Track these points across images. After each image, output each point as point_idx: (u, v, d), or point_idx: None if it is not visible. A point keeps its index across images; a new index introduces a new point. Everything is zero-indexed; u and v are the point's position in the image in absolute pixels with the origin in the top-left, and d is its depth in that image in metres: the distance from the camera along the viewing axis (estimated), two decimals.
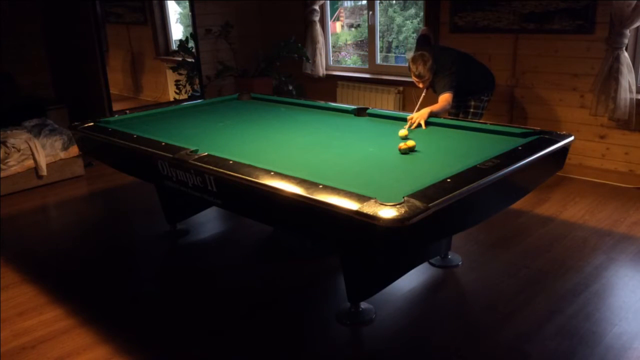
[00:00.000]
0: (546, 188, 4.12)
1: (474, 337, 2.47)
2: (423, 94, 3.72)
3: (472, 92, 3.91)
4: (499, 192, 2.37)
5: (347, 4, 6.81)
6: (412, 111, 3.32)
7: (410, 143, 2.68)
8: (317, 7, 5.76)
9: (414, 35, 5.94)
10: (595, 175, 4.35)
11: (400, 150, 2.67)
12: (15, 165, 4.51)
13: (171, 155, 2.67)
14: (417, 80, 3.65)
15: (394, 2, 5.99)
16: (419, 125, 3.16)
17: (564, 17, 4.19)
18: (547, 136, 2.72)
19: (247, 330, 2.59)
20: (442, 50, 3.94)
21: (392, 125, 3.26)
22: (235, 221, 3.88)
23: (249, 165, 2.40)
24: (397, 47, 6.23)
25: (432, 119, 3.22)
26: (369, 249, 2.16)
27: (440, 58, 3.71)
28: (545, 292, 2.79)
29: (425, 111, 3.23)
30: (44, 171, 4.66)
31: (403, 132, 2.98)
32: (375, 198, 1.94)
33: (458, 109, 3.97)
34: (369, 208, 1.88)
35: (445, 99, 3.51)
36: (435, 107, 3.35)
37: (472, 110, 3.94)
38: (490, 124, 3.07)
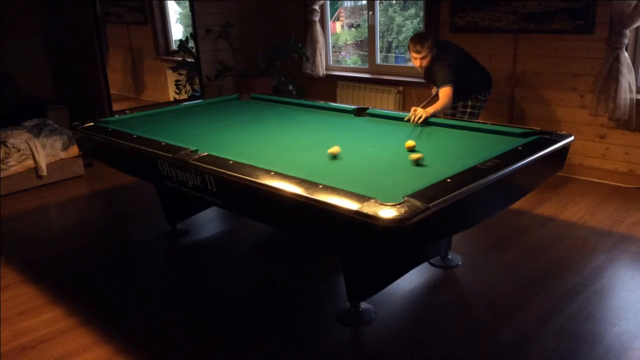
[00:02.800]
0: (546, 188, 4.12)
1: (474, 337, 2.47)
2: (433, 94, 3.74)
3: (470, 91, 3.91)
4: (499, 192, 2.37)
5: (347, 4, 6.80)
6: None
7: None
8: (317, 7, 5.76)
9: None
10: (595, 175, 4.35)
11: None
12: (15, 165, 4.51)
13: (171, 155, 2.67)
14: (415, 56, 3.72)
15: (394, 2, 5.99)
16: (418, 119, 3.19)
17: (564, 17, 4.19)
18: (547, 136, 2.72)
19: (246, 330, 2.59)
20: (446, 43, 3.97)
21: (392, 125, 3.26)
22: (235, 221, 3.88)
23: (249, 165, 2.40)
24: (397, 47, 6.23)
25: (433, 119, 3.22)
26: (369, 249, 2.16)
27: (443, 48, 3.78)
28: (545, 292, 2.79)
29: (430, 109, 3.26)
30: (44, 171, 4.66)
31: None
32: (375, 198, 1.94)
33: (455, 109, 3.98)
34: (369, 208, 1.88)
35: (446, 93, 3.54)
36: (438, 106, 3.39)
37: (469, 110, 3.94)
38: (490, 124, 3.07)
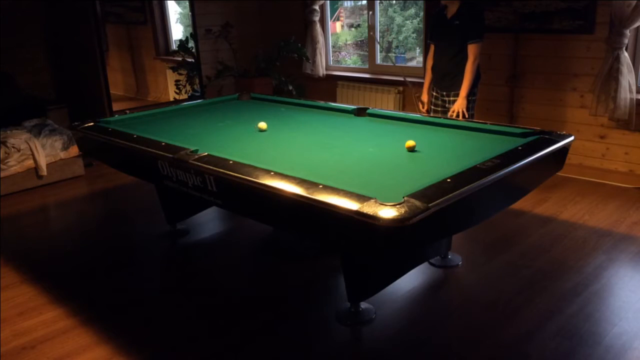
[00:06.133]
0: (546, 188, 4.12)
1: (474, 337, 2.47)
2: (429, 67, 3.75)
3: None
4: (498, 192, 2.37)
5: (347, 4, 6.80)
6: (412, 111, 3.32)
7: (411, 143, 2.69)
8: (317, 7, 5.76)
9: (414, 35, 5.94)
10: (595, 175, 4.35)
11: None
12: (15, 165, 4.51)
13: (171, 155, 2.67)
14: None
15: (394, 2, 5.99)
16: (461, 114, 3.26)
17: (564, 17, 4.19)
18: (547, 136, 2.72)
19: (246, 330, 2.59)
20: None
21: (392, 125, 3.26)
22: (235, 221, 3.88)
23: (249, 165, 2.40)
24: (397, 47, 6.23)
25: (432, 119, 3.23)
26: (369, 248, 2.15)
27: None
28: (545, 292, 2.79)
29: (462, 101, 3.28)
30: (44, 171, 4.66)
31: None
32: (375, 198, 1.94)
33: (445, 104, 3.90)
34: (369, 208, 1.88)
35: (476, 52, 3.56)
36: (466, 84, 3.42)
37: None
38: (490, 124, 3.07)
